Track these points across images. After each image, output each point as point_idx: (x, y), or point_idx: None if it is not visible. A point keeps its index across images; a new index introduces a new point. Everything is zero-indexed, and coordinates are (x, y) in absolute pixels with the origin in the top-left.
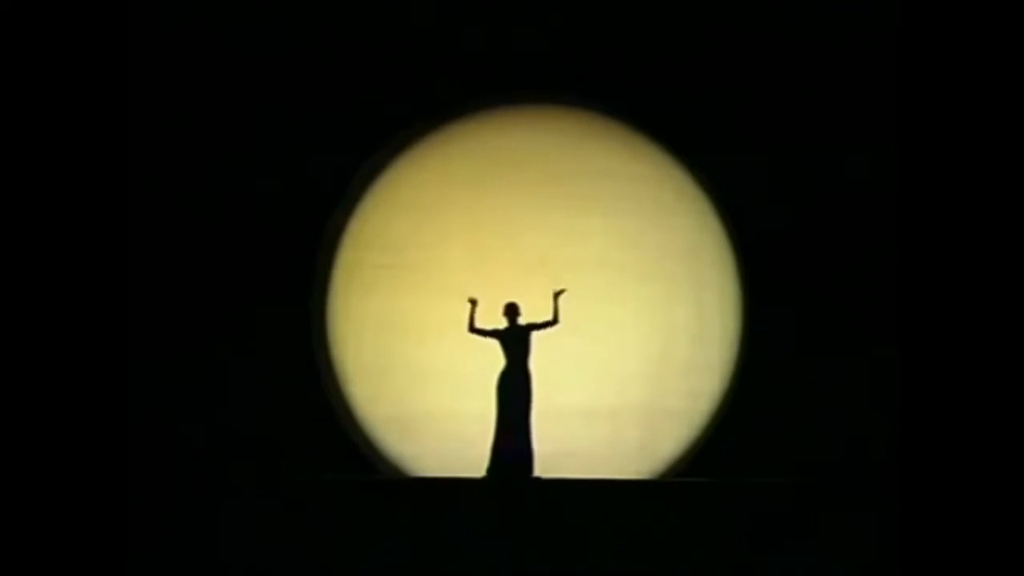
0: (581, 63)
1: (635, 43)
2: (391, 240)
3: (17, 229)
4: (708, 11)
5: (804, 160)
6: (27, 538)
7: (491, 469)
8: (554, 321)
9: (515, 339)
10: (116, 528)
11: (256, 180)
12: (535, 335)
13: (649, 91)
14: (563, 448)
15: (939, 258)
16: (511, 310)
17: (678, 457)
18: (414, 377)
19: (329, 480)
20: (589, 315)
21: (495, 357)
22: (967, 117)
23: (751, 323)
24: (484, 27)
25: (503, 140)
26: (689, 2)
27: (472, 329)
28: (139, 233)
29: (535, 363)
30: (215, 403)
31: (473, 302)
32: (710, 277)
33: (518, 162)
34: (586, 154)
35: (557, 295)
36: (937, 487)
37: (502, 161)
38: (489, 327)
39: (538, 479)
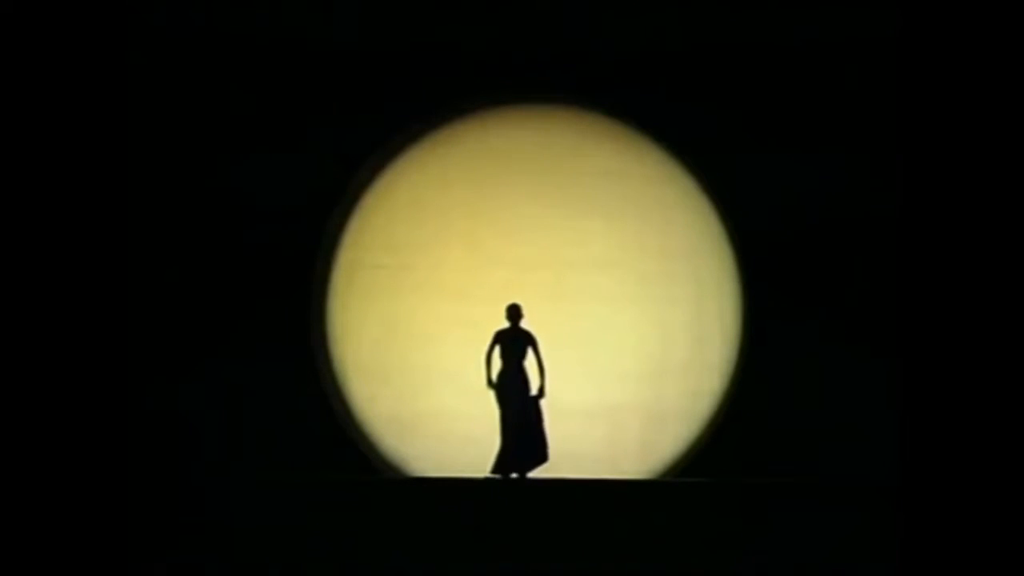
0: (581, 63)
1: (636, 44)
2: (391, 240)
3: (17, 231)
4: (709, 12)
5: (804, 161)
6: (28, 541)
7: (497, 468)
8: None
9: (513, 339)
10: (117, 529)
11: (256, 180)
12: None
13: (650, 91)
14: (563, 448)
15: (940, 258)
16: (514, 312)
17: (678, 457)
18: (414, 377)
19: (329, 480)
20: (589, 315)
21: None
22: (969, 121)
23: (751, 323)
24: (484, 27)
25: (503, 140)
26: (690, 3)
27: (488, 360)
28: (138, 234)
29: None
30: (215, 403)
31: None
32: (710, 277)
33: (518, 162)
34: (586, 154)
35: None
36: (938, 487)
37: (502, 161)
38: (491, 341)
39: (538, 479)
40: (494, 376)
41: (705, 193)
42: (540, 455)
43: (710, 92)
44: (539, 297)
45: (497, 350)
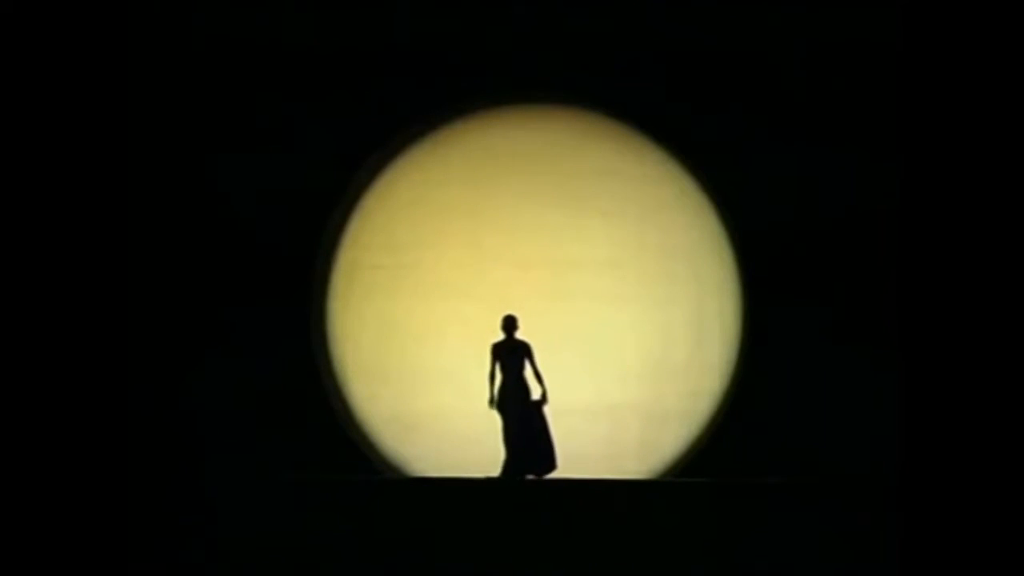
0: (582, 63)
1: (637, 43)
2: (391, 240)
3: (17, 229)
4: (710, 12)
5: (805, 160)
6: (28, 541)
7: (505, 473)
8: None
9: (510, 351)
10: (116, 528)
11: (256, 180)
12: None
13: (649, 91)
14: (563, 448)
15: (940, 259)
16: (509, 323)
17: (678, 457)
18: (414, 377)
19: (329, 480)
20: (589, 315)
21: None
22: (969, 121)
23: (751, 323)
24: (485, 27)
25: (503, 140)
26: (691, 3)
27: (491, 378)
28: (138, 234)
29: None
30: (215, 403)
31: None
32: (710, 277)
33: (518, 162)
34: (586, 154)
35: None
36: (937, 487)
37: (502, 161)
38: (491, 356)
39: (538, 479)
40: (495, 391)
41: (705, 192)
42: (548, 463)
43: (710, 92)
44: (539, 297)
45: (497, 365)
